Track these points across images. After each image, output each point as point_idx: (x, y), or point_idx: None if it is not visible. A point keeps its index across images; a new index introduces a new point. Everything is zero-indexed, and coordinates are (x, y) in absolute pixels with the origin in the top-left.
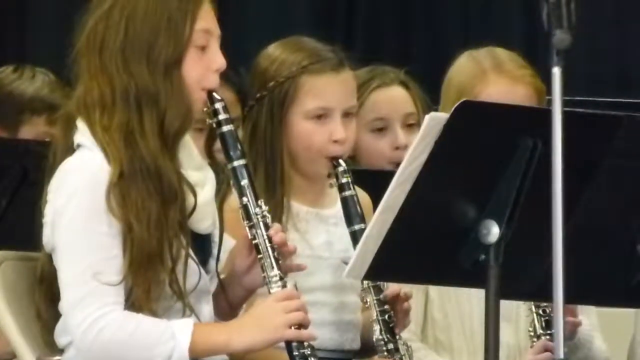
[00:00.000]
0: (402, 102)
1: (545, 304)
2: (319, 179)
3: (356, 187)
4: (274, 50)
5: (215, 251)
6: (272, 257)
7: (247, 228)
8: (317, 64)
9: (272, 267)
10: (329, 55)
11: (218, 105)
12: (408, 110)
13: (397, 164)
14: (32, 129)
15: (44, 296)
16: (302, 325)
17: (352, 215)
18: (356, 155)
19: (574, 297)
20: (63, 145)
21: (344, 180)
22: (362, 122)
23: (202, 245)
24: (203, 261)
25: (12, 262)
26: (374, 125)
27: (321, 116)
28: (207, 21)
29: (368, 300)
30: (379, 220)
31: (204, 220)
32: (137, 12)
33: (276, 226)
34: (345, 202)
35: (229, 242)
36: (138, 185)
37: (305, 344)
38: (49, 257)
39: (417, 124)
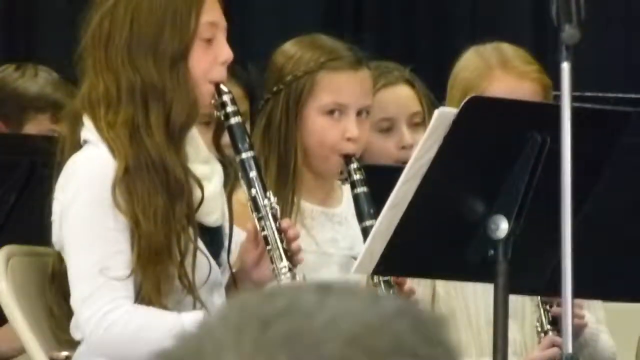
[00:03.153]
0: (408, 101)
1: (552, 301)
2: (329, 177)
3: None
4: (291, 46)
5: (226, 243)
6: (281, 248)
7: (255, 220)
8: (335, 60)
9: (281, 259)
10: (347, 52)
11: (226, 98)
12: (414, 109)
13: (404, 163)
14: (36, 127)
15: (55, 293)
16: None
17: (364, 212)
18: (362, 154)
19: (582, 292)
20: (70, 142)
21: (356, 177)
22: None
23: (212, 238)
24: (215, 254)
25: (21, 257)
26: (380, 125)
27: (336, 112)
28: (212, 14)
29: None
30: (388, 215)
31: (212, 213)
32: (142, 7)
33: (287, 220)
34: (357, 198)
35: (240, 234)
36: (144, 180)
37: None
38: (59, 255)
39: (423, 123)
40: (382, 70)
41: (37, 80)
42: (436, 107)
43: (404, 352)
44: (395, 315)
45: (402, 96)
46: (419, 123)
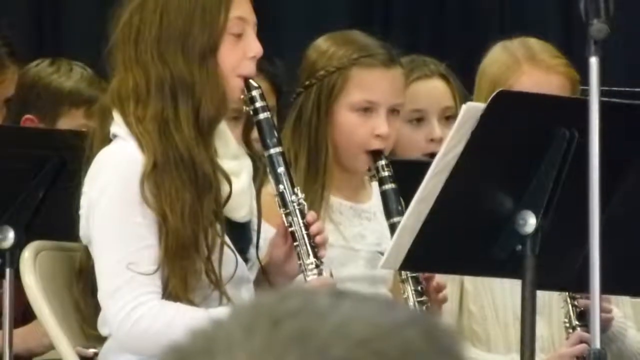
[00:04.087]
0: (441, 95)
1: (579, 295)
2: (358, 173)
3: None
4: (324, 42)
5: (254, 239)
6: (308, 244)
7: (283, 216)
8: (368, 57)
9: (308, 255)
10: (380, 50)
11: (255, 93)
12: (447, 103)
13: (431, 156)
14: (70, 122)
15: (82, 288)
16: None
17: (392, 209)
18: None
19: (610, 288)
20: (99, 137)
21: (385, 174)
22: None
23: (241, 234)
24: (242, 249)
25: (49, 252)
26: (411, 115)
27: (367, 110)
28: (242, 9)
29: (407, 291)
30: (415, 210)
31: (241, 208)
32: (171, 2)
33: (312, 213)
34: (385, 195)
35: (268, 230)
36: (172, 175)
37: None
38: (87, 250)
39: (455, 118)
40: (417, 63)
41: (71, 76)
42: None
43: (412, 359)
44: (407, 323)
45: (435, 89)
46: (450, 117)
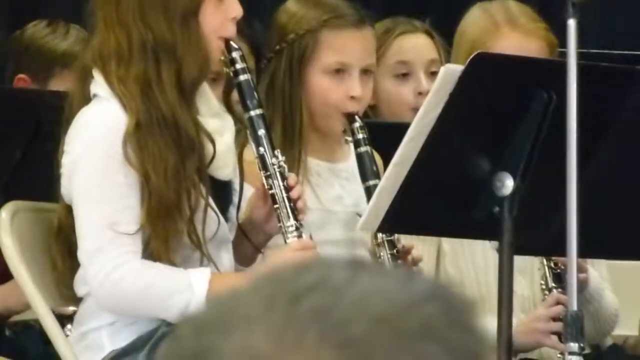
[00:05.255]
0: (427, 49)
1: (555, 257)
2: (334, 135)
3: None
4: (293, 4)
5: (236, 199)
6: (288, 207)
7: (263, 178)
8: (337, 19)
9: (289, 217)
10: (349, 11)
11: (235, 54)
12: (432, 56)
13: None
14: (62, 83)
15: (60, 248)
16: None
17: (368, 171)
18: (377, 103)
19: (587, 251)
20: (79, 96)
21: (359, 136)
22: (384, 68)
23: (222, 193)
24: (223, 209)
25: (26, 212)
26: (397, 69)
27: (339, 72)
28: None
29: (382, 254)
30: (393, 172)
31: (225, 167)
32: None
33: (292, 176)
34: (360, 158)
35: (249, 190)
36: (155, 136)
37: None
38: (66, 209)
39: None
40: (400, 20)
41: (67, 38)
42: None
43: (432, 336)
44: (426, 298)
45: (420, 43)
46: (435, 73)
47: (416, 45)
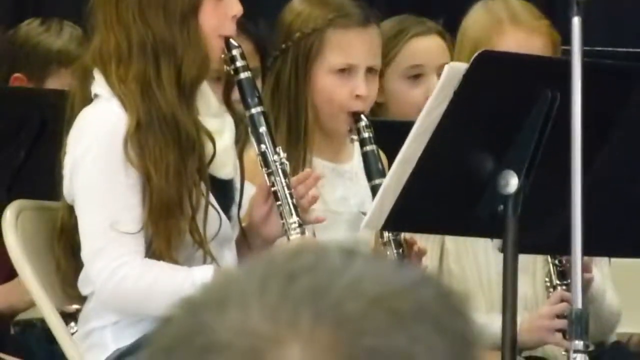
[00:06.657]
0: (439, 52)
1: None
2: (339, 135)
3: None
4: (299, 3)
5: (237, 198)
6: (290, 204)
7: (265, 175)
8: (343, 18)
9: (291, 214)
10: (355, 10)
11: (235, 52)
12: (445, 60)
13: None
14: (58, 81)
15: (63, 247)
16: None
17: (373, 170)
18: (386, 102)
19: (592, 249)
20: (80, 96)
21: (365, 135)
22: (396, 69)
23: (223, 192)
24: (225, 208)
25: (30, 211)
26: (409, 72)
27: (345, 71)
28: None
29: (388, 253)
30: (398, 171)
31: (225, 166)
32: None
33: (307, 170)
34: (366, 156)
35: (251, 189)
36: (156, 135)
37: None
38: (69, 208)
39: None
40: (412, 21)
41: (61, 35)
42: None
43: (426, 318)
44: (420, 283)
45: (433, 46)
46: None
47: (429, 48)
